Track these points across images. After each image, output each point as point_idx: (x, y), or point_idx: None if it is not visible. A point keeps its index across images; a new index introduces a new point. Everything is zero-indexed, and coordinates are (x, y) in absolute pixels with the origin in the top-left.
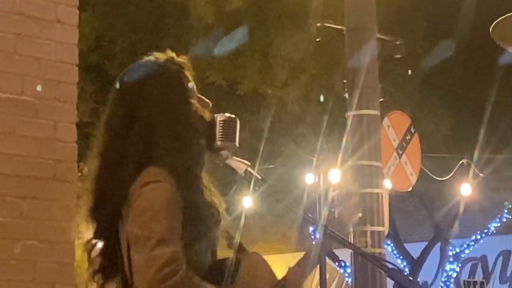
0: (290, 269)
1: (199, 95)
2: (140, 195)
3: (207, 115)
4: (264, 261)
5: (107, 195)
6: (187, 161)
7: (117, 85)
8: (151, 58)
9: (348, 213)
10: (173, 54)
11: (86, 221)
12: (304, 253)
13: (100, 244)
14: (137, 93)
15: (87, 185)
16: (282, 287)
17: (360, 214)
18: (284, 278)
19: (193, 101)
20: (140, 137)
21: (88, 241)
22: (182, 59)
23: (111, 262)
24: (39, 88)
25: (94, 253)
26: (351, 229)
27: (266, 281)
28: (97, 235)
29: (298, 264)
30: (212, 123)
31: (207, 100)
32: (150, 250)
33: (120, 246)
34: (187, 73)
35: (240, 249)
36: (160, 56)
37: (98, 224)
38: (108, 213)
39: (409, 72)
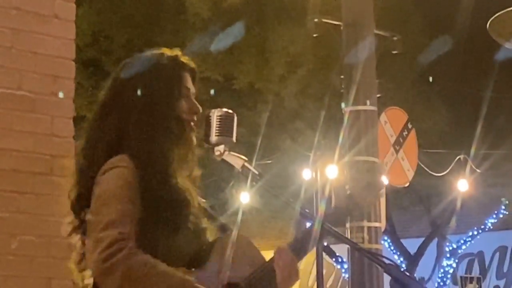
0: (278, 250)
1: (192, 98)
2: (98, 183)
3: (189, 118)
4: (250, 242)
5: (83, 176)
6: (153, 152)
7: (114, 73)
8: (150, 52)
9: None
10: (178, 53)
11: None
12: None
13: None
14: (121, 82)
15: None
16: (269, 268)
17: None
18: (272, 259)
19: (180, 102)
20: (115, 125)
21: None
22: (187, 61)
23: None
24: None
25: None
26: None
27: (255, 260)
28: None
29: (288, 246)
30: (209, 118)
31: (198, 106)
32: (97, 233)
33: None
34: (186, 74)
35: (225, 229)
36: (164, 51)
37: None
38: (81, 201)
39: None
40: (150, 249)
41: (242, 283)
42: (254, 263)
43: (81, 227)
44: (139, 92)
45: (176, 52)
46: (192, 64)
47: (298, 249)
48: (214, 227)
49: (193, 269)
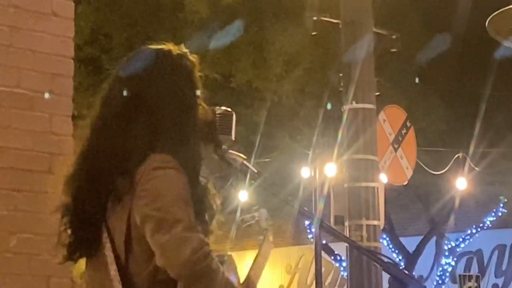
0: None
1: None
2: (152, 178)
3: (208, 116)
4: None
5: (101, 170)
6: (190, 154)
7: (121, 66)
8: (159, 47)
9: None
10: (187, 50)
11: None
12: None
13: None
14: (144, 78)
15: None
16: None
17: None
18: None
19: (200, 102)
20: (146, 124)
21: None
22: (194, 58)
23: (90, 239)
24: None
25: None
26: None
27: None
28: (77, 209)
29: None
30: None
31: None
32: (180, 232)
33: (105, 225)
34: (197, 73)
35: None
36: (173, 48)
37: (82, 201)
38: (97, 191)
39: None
40: None
41: None
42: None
43: (86, 210)
44: (166, 92)
45: (183, 49)
46: (196, 61)
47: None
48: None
49: None
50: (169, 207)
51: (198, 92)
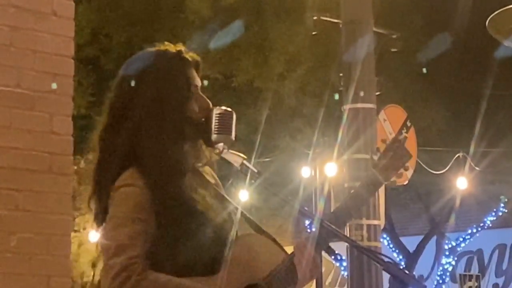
0: (298, 245)
1: (201, 94)
2: (112, 200)
3: (200, 116)
4: (268, 240)
5: (100, 189)
6: (166, 164)
7: (120, 76)
8: (155, 49)
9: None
10: (182, 48)
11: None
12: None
13: None
14: (134, 86)
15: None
16: (289, 265)
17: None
18: (291, 255)
19: (191, 103)
20: (129, 135)
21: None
22: (191, 55)
23: None
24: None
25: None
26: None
27: (273, 258)
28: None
29: (308, 241)
30: (208, 116)
31: (208, 101)
32: (107, 260)
33: None
34: (193, 70)
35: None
36: (168, 48)
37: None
38: (100, 208)
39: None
40: (170, 263)
41: (261, 283)
42: (273, 261)
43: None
44: (149, 98)
45: (179, 47)
46: (196, 57)
47: (318, 243)
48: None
49: (214, 275)
50: (110, 231)
51: (187, 93)
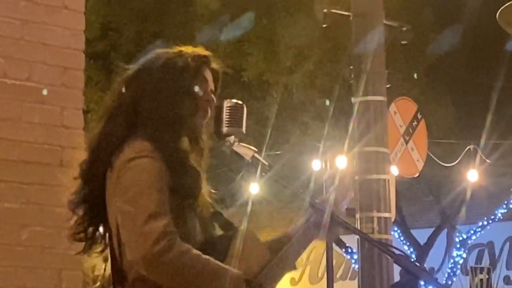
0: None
1: (208, 90)
2: (127, 170)
3: (202, 116)
4: (256, 236)
5: (95, 165)
6: (173, 143)
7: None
8: (164, 50)
9: (341, 194)
10: (197, 51)
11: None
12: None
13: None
14: (132, 76)
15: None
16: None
17: (352, 195)
18: (284, 236)
19: (193, 102)
20: (128, 112)
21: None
22: (216, 66)
23: (94, 229)
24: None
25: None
26: (344, 210)
27: (259, 256)
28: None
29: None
30: (219, 109)
31: (212, 96)
32: (141, 226)
33: (106, 218)
34: (206, 72)
35: (229, 227)
36: (183, 49)
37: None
38: (94, 183)
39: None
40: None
41: (255, 279)
42: (261, 258)
43: (98, 214)
44: (149, 90)
45: (207, 52)
46: (216, 65)
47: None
48: (218, 221)
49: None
50: (137, 198)
51: (195, 88)
